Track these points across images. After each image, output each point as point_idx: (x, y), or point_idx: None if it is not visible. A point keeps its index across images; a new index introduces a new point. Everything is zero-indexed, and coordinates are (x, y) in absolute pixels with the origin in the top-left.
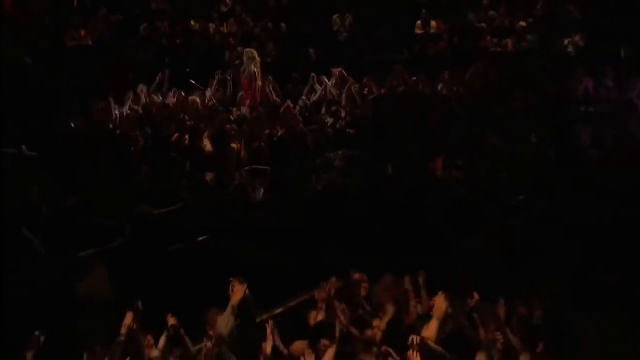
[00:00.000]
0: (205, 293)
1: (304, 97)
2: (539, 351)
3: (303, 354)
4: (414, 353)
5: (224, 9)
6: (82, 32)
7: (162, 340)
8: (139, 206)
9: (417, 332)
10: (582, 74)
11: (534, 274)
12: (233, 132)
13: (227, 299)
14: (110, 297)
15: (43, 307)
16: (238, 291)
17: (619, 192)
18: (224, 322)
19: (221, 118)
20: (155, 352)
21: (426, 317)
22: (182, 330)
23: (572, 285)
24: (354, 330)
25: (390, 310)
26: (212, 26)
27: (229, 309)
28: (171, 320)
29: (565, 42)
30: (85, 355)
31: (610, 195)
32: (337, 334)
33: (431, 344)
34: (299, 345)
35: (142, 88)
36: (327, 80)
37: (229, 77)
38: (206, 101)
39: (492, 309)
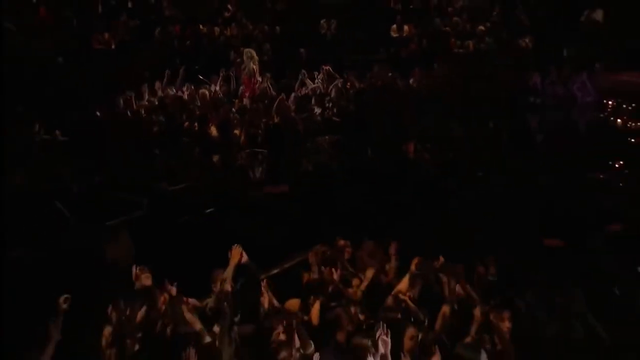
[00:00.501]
0: (211, 257)
1: (295, 91)
2: (494, 304)
3: (296, 310)
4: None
5: (227, 14)
6: (106, 35)
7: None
8: (155, 184)
9: (392, 289)
10: (532, 71)
11: (491, 238)
12: (235, 121)
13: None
14: (131, 260)
15: (74, 267)
16: (236, 255)
17: (560, 169)
18: (225, 281)
19: (225, 109)
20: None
21: (400, 276)
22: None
23: (523, 247)
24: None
25: (370, 272)
26: (217, 30)
27: (228, 269)
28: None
29: (517, 44)
30: (110, 308)
31: (554, 171)
32: (329, 291)
33: (407, 300)
34: (292, 302)
35: (158, 85)
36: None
37: (232, 74)
38: (212, 94)
39: (454, 269)
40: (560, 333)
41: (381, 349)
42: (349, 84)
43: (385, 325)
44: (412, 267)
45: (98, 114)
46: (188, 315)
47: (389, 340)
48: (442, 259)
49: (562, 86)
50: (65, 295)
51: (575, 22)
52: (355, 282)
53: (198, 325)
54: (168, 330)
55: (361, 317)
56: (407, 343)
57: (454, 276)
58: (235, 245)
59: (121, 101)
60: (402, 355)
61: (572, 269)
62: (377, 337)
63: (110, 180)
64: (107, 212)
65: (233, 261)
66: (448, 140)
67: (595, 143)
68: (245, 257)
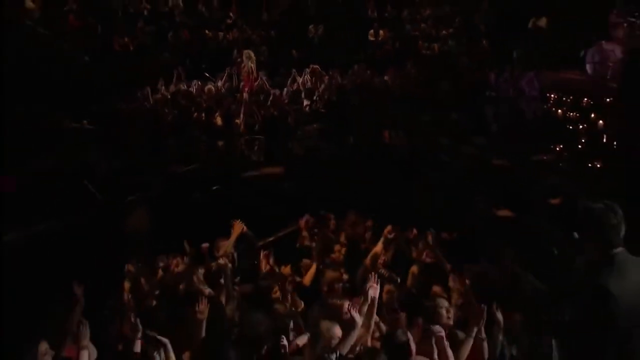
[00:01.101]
0: (216, 226)
1: (288, 86)
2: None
3: (290, 273)
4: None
5: (229, 21)
6: (126, 39)
7: (187, 259)
8: (169, 165)
9: (368, 253)
10: (488, 70)
11: (454, 210)
12: (236, 112)
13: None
14: (147, 230)
15: (100, 235)
16: (237, 228)
17: (511, 152)
18: (227, 248)
19: (228, 101)
20: (181, 267)
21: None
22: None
23: (480, 218)
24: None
25: (350, 239)
26: (220, 34)
27: (231, 238)
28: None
29: (475, 46)
30: (129, 266)
31: (506, 154)
32: (315, 255)
33: (382, 268)
34: (286, 268)
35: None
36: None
37: (233, 72)
38: (217, 89)
39: (424, 237)
40: (509, 286)
41: (371, 294)
42: (333, 80)
43: (376, 276)
44: (385, 233)
45: (120, 106)
46: (196, 279)
47: (378, 287)
48: (415, 230)
49: (512, 82)
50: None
51: (524, 28)
52: (337, 247)
53: (205, 288)
54: (181, 288)
55: (345, 277)
56: (384, 297)
57: (424, 243)
58: (237, 220)
59: (139, 95)
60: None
61: (520, 235)
62: (368, 286)
63: (130, 162)
64: (127, 189)
65: (235, 232)
66: (417, 128)
67: (539, 130)
68: (244, 228)
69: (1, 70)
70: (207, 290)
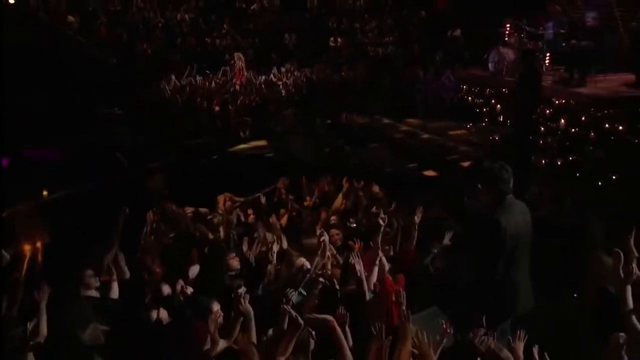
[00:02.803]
0: (216, 185)
1: (269, 80)
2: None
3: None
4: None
5: (223, 31)
6: (145, 45)
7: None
8: (180, 140)
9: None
10: (417, 68)
11: (393, 171)
12: (230, 100)
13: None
14: (164, 190)
15: (128, 192)
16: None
17: (433, 128)
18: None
19: (223, 92)
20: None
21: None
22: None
23: (407, 175)
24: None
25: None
26: (217, 41)
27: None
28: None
29: (409, 50)
30: (150, 214)
31: (429, 130)
32: (289, 207)
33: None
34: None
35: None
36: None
37: (227, 70)
38: (215, 83)
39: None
40: (434, 225)
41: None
42: (303, 76)
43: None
44: (344, 185)
45: (141, 96)
46: (202, 229)
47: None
48: (362, 181)
49: (435, 77)
50: (124, 207)
51: (444, 36)
52: (307, 201)
53: (209, 233)
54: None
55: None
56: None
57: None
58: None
59: (157, 86)
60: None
61: (442, 189)
62: (319, 233)
63: (150, 138)
64: (148, 158)
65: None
66: (366, 111)
67: (455, 112)
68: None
69: (53, 70)
70: (211, 237)
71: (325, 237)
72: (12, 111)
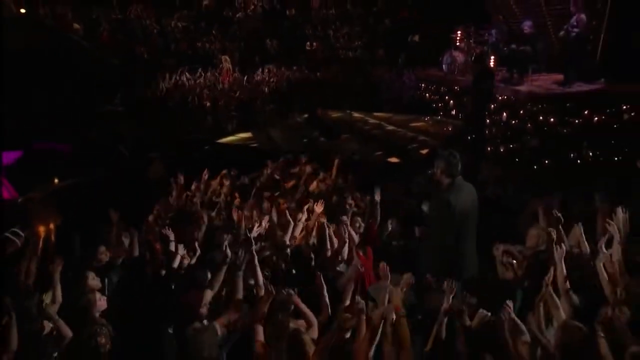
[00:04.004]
0: (210, 169)
1: (253, 79)
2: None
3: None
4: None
5: (212, 37)
6: (142, 48)
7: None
8: (175, 133)
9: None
10: (383, 68)
11: (363, 158)
12: (219, 97)
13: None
14: (163, 174)
15: (131, 180)
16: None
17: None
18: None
19: (213, 89)
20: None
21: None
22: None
23: (371, 162)
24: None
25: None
26: (207, 45)
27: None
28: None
29: (376, 53)
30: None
31: (391, 121)
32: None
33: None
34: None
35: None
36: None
37: (216, 70)
38: (206, 81)
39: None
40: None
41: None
42: (283, 76)
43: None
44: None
45: (141, 93)
46: (199, 211)
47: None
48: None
49: (398, 77)
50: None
51: (406, 41)
52: (287, 184)
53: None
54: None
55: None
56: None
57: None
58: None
59: (154, 86)
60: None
61: (403, 173)
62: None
63: (149, 131)
64: (148, 149)
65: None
66: (338, 107)
67: (415, 107)
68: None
69: (60, 71)
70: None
71: (304, 216)
72: (22, 108)
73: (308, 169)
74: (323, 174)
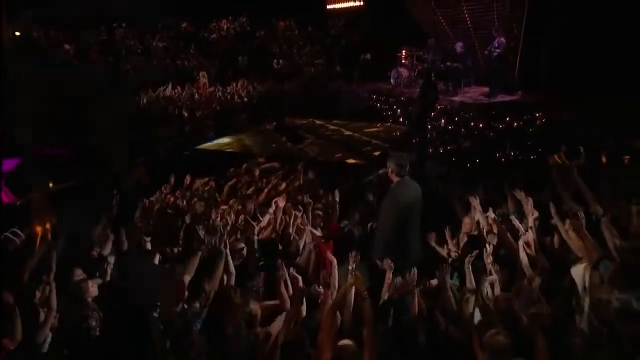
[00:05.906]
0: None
1: (228, 92)
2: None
3: None
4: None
5: (190, 55)
6: (127, 65)
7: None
8: (158, 140)
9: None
10: (341, 82)
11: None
12: (197, 108)
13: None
14: (146, 178)
15: (120, 182)
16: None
17: (349, 127)
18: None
19: (191, 102)
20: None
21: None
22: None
23: (332, 162)
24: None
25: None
26: (185, 62)
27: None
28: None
29: (333, 69)
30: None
31: (351, 129)
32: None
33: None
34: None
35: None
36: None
37: (194, 84)
38: (185, 94)
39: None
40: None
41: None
42: (254, 88)
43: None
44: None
45: (137, 101)
46: (198, 205)
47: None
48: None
49: (352, 89)
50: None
51: (359, 59)
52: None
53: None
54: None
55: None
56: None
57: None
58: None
59: (147, 95)
60: None
61: (358, 172)
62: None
63: (144, 134)
64: (147, 149)
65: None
66: (303, 115)
67: (367, 113)
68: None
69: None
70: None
71: (272, 210)
72: (20, 118)
73: (277, 170)
74: (290, 174)
